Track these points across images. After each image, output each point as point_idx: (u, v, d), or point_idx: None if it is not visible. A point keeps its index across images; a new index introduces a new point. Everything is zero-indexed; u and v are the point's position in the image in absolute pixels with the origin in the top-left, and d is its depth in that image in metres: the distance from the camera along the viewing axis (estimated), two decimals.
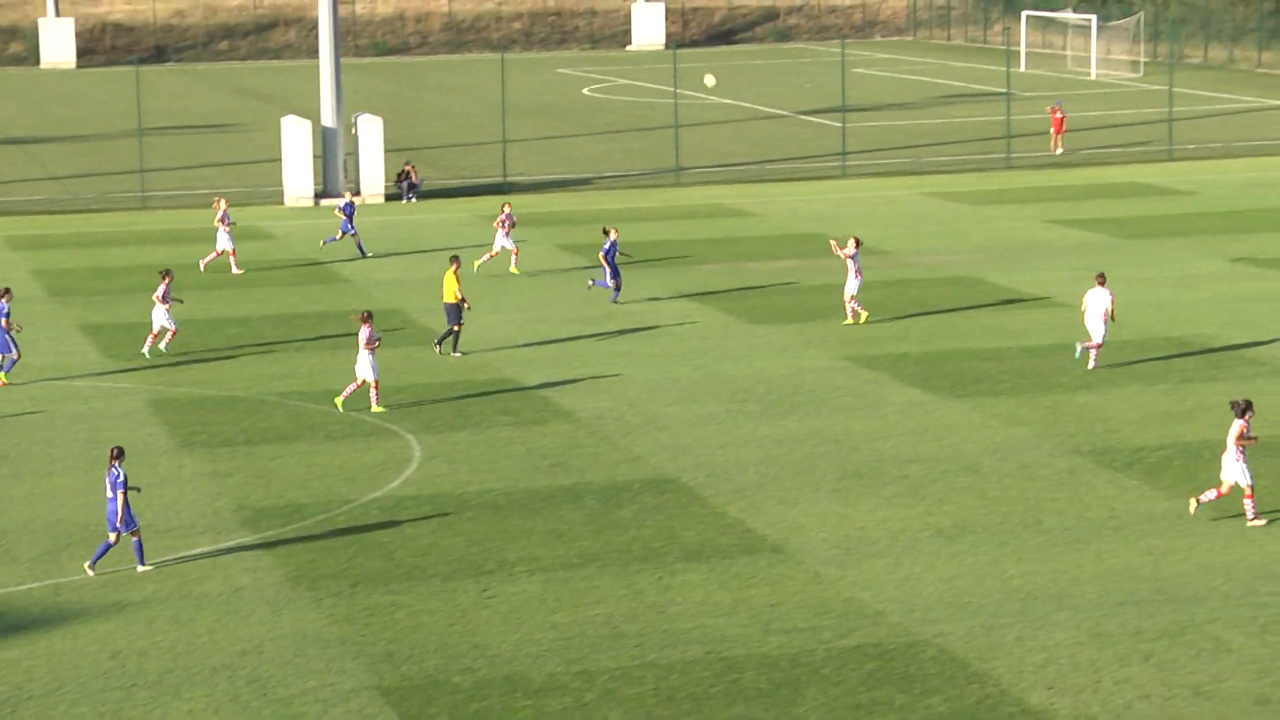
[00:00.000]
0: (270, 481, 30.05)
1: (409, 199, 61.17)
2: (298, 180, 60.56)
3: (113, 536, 25.63)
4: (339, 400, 34.37)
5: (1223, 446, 27.06)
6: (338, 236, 50.99)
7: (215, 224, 48.39)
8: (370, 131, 60.67)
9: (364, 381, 34.07)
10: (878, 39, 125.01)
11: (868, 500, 28.52)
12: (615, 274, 42.93)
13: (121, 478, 25.48)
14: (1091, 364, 36.08)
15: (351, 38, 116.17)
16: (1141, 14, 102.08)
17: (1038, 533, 26.77)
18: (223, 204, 48.45)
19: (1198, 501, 26.97)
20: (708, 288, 45.51)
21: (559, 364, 37.42)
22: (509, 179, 63.80)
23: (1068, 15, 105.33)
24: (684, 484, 29.60)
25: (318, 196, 60.75)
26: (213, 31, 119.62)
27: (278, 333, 41.26)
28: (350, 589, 25.06)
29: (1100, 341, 35.98)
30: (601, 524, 27.69)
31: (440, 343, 38.65)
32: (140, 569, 25.76)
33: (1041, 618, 23.59)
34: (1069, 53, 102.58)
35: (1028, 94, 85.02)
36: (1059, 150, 68.64)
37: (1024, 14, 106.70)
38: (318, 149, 61.65)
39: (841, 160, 66.37)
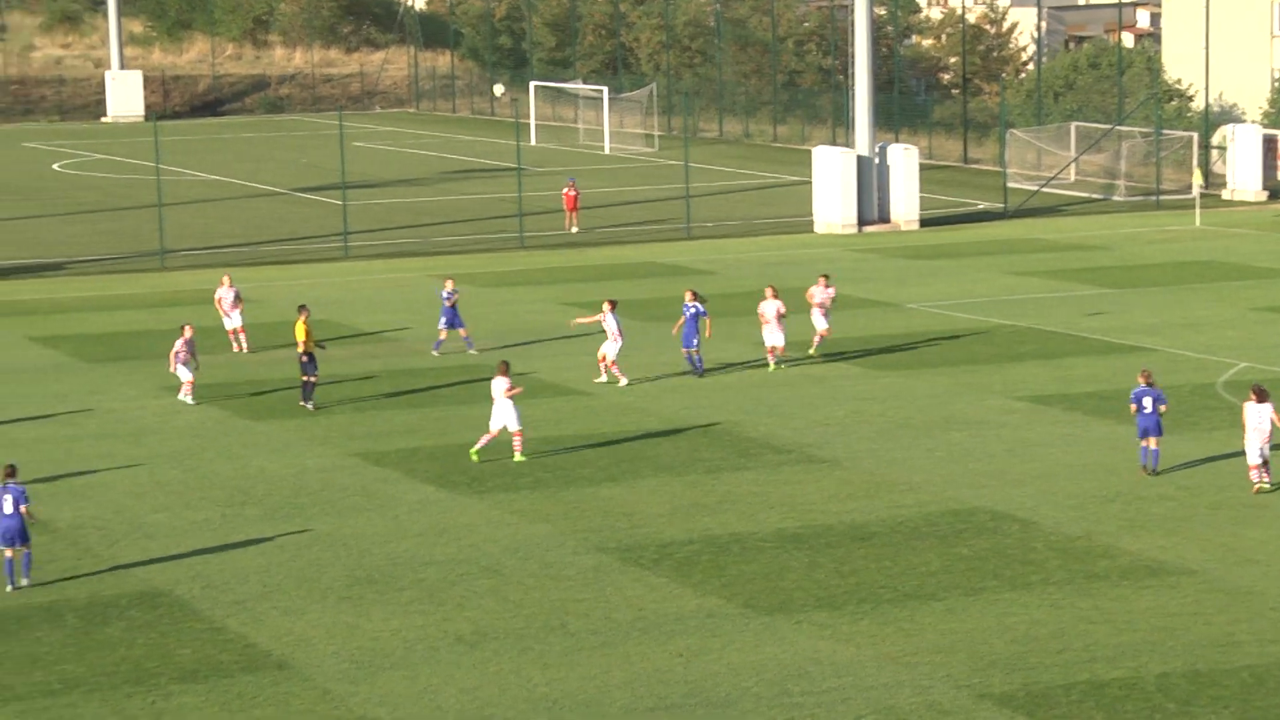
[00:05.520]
0: None
1: None
2: None
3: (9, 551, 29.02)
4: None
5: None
6: None
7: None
8: None
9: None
10: (378, 110, 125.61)
11: (381, 608, 28.44)
12: None
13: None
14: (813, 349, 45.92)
15: None
16: (654, 86, 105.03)
17: (563, 636, 27.11)
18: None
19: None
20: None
21: (29, 468, 36.33)
22: None
23: (578, 86, 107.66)
24: (177, 597, 29.06)
25: None
26: None
27: None
28: None
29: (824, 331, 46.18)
30: (85, 645, 26.96)
31: (308, 399, 41.47)
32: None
33: None
34: (581, 126, 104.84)
35: (539, 169, 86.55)
36: (574, 229, 70.02)
37: (532, 84, 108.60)
38: None
39: (344, 241, 66.36)
